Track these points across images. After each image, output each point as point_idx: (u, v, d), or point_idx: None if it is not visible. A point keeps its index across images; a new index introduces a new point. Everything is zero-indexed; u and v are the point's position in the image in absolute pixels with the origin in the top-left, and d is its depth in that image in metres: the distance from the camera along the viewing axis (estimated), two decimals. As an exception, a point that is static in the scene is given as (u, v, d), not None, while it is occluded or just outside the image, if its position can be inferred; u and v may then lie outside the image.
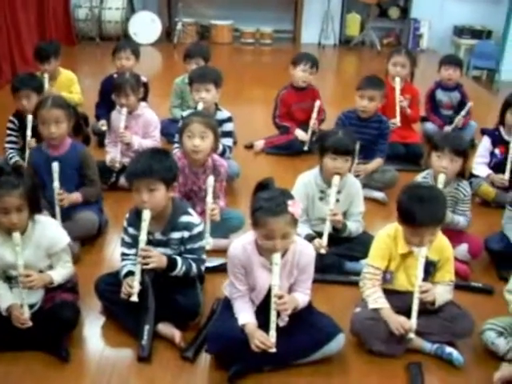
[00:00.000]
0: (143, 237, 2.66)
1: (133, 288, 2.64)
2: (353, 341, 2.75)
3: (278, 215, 2.38)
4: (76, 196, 3.43)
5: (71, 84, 5.11)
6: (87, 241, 3.50)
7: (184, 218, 2.77)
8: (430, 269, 2.74)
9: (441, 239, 2.75)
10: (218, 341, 2.54)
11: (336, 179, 3.21)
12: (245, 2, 9.48)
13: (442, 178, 3.29)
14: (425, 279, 2.70)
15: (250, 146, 5.10)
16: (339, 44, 9.84)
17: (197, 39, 9.54)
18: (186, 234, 2.76)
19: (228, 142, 4.27)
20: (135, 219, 2.74)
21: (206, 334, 2.70)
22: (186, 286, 2.81)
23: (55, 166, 3.26)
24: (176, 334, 2.71)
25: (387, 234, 2.76)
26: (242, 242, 2.59)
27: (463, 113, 5.05)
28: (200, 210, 3.36)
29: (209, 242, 3.17)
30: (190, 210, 2.83)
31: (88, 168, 3.51)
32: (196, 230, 2.77)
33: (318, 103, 4.82)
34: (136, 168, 2.70)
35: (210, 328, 2.70)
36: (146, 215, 2.65)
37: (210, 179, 3.28)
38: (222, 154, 4.20)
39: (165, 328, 2.75)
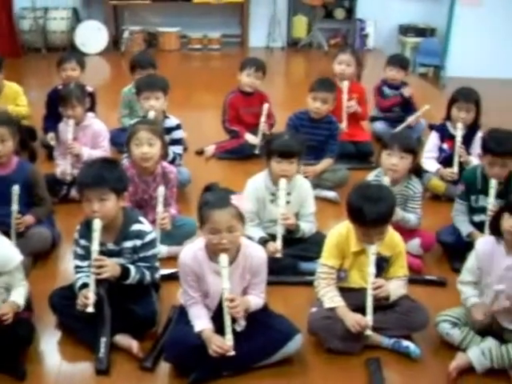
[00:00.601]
0: (95, 247, 2.64)
1: (88, 299, 2.61)
2: (311, 340, 2.76)
3: (222, 207, 2.43)
4: (29, 218, 3.37)
5: (17, 96, 5.00)
6: (41, 255, 3.43)
7: (135, 227, 2.76)
8: (383, 265, 2.78)
9: (392, 235, 2.79)
10: (176, 349, 2.54)
11: (282, 182, 3.23)
12: (191, 8, 9.44)
13: (386, 181, 3.34)
14: (378, 275, 2.74)
15: (200, 152, 5.08)
16: (287, 46, 9.88)
17: (144, 47, 9.47)
18: (138, 242, 2.75)
19: (178, 149, 4.27)
20: (86, 231, 2.71)
21: (163, 342, 2.68)
22: (141, 296, 2.79)
23: (16, 189, 3.22)
24: (133, 345, 2.68)
25: (339, 233, 2.79)
26: (193, 249, 2.59)
27: (418, 113, 5.15)
28: (152, 218, 3.34)
29: (160, 251, 3.16)
30: (141, 219, 2.82)
31: (37, 187, 3.45)
32: (148, 238, 2.77)
33: (266, 106, 4.83)
34: (86, 178, 2.69)
35: (167, 336, 2.69)
36: (97, 225, 2.63)
37: (161, 189, 3.28)
38: (173, 162, 4.19)
39: (122, 339, 2.72)
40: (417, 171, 3.55)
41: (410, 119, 5.12)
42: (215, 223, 2.43)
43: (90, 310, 2.60)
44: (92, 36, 9.19)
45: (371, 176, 3.54)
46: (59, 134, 4.24)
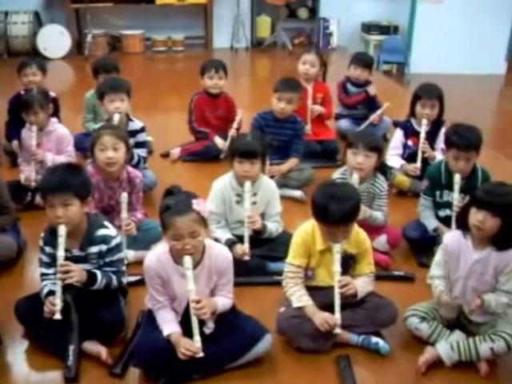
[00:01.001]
0: (61, 253, 2.61)
1: (55, 306, 2.58)
2: (281, 340, 2.76)
3: (183, 214, 2.41)
4: None
5: None
6: (6, 264, 3.37)
7: (101, 232, 2.74)
8: (350, 262, 2.80)
9: (358, 233, 2.80)
10: (145, 354, 2.52)
11: (247, 185, 3.23)
12: (155, 10, 9.37)
13: (355, 179, 3.36)
14: (345, 273, 2.75)
15: (166, 155, 5.05)
16: (251, 47, 9.89)
17: (108, 50, 9.40)
18: (103, 247, 2.73)
19: (142, 152, 4.24)
20: (51, 237, 2.69)
21: (132, 348, 2.66)
22: (108, 301, 2.77)
23: None
24: (102, 351, 2.65)
25: (305, 232, 2.79)
26: (157, 253, 2.58)
27: (379, 112, 5.17)
28: (118, 224, 3.29)
29: (126, 255, 3.15)
30: (106, 223, 2.80)
31: (0, 195, 3.40)
32: (114, 243, 2.75)
33: (239, 117, 4.81)
34: (49, 183, 2.66)
35: (135, 342, 2.67)
36: (62, 231, 2.61)
37: (124, 195, 3.25)
38: (137, 165, 4.16)
39: (90, 346, 2.69)
40: (382, 169, 3.56)
41: (372, 117, 5.15)
42: (177, 230, 2.42)
43: (58, 316, 2.57)
44: (54, 40, 9.07)
45: (337, 174, 3.55)
46: (23, 140, 4.19)
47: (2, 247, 3.33)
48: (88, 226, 2.74)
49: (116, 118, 4.06)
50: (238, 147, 3.30)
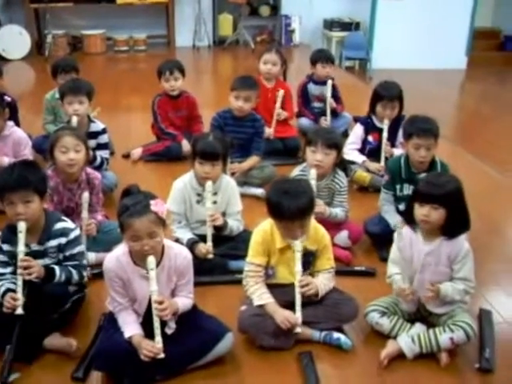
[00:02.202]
0: (21, 248, 2.60)
1: (17, 301, 2.55)
2: (243, 338, 2.76)
3: (141, 215, 2.40)
4: None
5: None
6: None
7: (59, 225, 2.75)
8: (310, 259, 2.80)
9: (316, 228, 2.81)
10: (106, 357, 2.50)
11: (208, 185, 3.22)
12: (116, 9, 9.32)
13: (313, 174, 3.37)
14: (306, 269, 2.77)
15: (127, 156, 5.01)
16: (213, 45, 9.90)
17: (69, 51, 9.30)
18: (63, 240, 2.74)
19: (105, 153, 4.21)
20: (10, 235, 2.68)
21: (93, 351, 2.63)
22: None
23: None
24: (71, 342, 2.65)
25: (263, 230, 2.78)
26: (116, 254, 2.56)
27: (329, 94, 5.19)
28: (78, 225, 3.26)
29: (88, 259, 3.15)
30: (64, 217, 2.81)
31: None
32: (73, 235, 2.76)
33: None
34: (9, 181, 2.64)
35: (97, 345, 2.64)
36: (22, 227, 2.60)
37: (85, 195, 3.22)
38: (100, 166, 4.14)
39: (54, 340, 2.67)
40: (342, 165, 3.58)
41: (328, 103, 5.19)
42: (136, 231, 2.40)
43: (20, 311, 2.54)
44: (13, 41, 8.97)
45: (297, 171, 3.57)
46: None
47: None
48: (46, 221, 2.74)
49: (74, 120, 4.02)
50: (199, 148, 3.27)
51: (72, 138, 3.31)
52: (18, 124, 4.79)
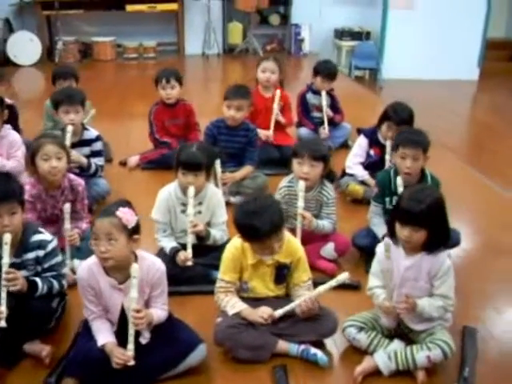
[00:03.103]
0: (6, 260, 2.59)
1: (1, 313, 2.55)
2: (219, 350, 2.73)
3: (104, 216, 2.44)
4: None
5: None
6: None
7: (36, 237, 2.74)
8: (284, 271, 2.79)
9: (289, 241, 2.78)
10: (78, 363, 2.50)
11: (191, 191, 3.18)
12: (126, 17, 9.39)
13: (301, 186, 3.34)
14: (280, 282, 2.79)
15: (124, 163, 5.02)
16: (223, 53, 9.91)
17: (79, 57, 9.38)
18: (40, 252, 2.73)
19: (99, 161, 4.23)
20: None
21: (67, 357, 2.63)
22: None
23: None
24: (45, 348, 2.66)
25: (234, 247, 2.76)
26: (88, 264, 2.56)
27: (324, 103, 5.17)
28: (60, 234, 3.27)
29: (73, 267, 3.18)
30: (41, 229, 2.80)
31: None
32: (50, 247, 2.75)
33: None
34: None
35: (69, 351, 2.63)
36: (7, 238, 2.60)
37: (67, 206, 3.21)
38: (95, 174, 4.14)
39: (32, 345, 2.69)
40: (330, 176, 3.54)
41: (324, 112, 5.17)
42: (95, 229, 2.44)
43: (2, 324, 2.55)
44: (24, 47, 9.05)
45: (284, 182, 3.54)
46: None
47: None
48: (23, 233, 2.73)
49: (69, 129, 4.02)
50: (181, 158, 3.26)
51: (53, 146, 3.32)
52: (17, 128, 4.84)
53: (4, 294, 2.58)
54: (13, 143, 4.16)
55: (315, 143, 3.51)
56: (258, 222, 2.55)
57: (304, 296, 2.68)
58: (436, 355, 2.56)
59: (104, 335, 2.52)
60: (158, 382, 2.57)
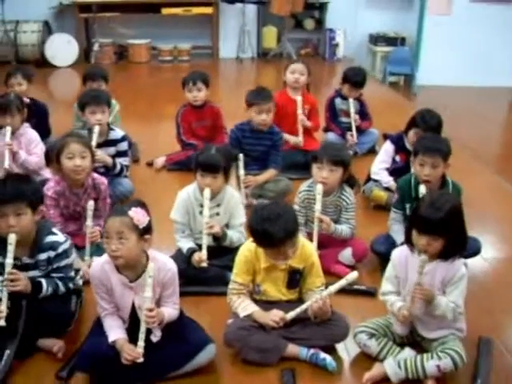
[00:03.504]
0: (9, 260, 2.64)
1: (1, 313, 2.60)
2: (230, 351, 2.74)
3: (115, 215, 2.48)
4: None
5: None
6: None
7: (49, 239, 2.78)
8: (297, 276, 2.79)
9: (303, 246, 2.77)
10: (88, 358, 2.54)
11: (207, 192, 3.22)
12: (161, 20, 9.49)
13: (319, 189, 3.33)
14: (293, 287, 2.79)
15: (151, 164, 5.08)
16: (257, 57, 9.94)
17: (115, 59, 9.52)
18: (52, 253, 2.77)
19: (124, 160, 4.30)
20: (0, 247, 2.70)
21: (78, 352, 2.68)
22: (58, 296, 2.81)
23: None
24: (57, 343, 2.72)
25: (248, 250, 2.77)
26: (101, 262, 2.59)
27: (352, 109, 5.15)
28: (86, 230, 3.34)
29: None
30: (54, 230, 2.85)
31: None
32: (61, 249, 2.79)
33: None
34: (3, 193, 2.68)
35: (80, 346, 2.68)
36: (12, 239, 2.64)
37: (90, 203, 3.27)
38: (120, 174, 4.20)
39: (46, 341, 2.75)
40: (350, 181, 3.53)
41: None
42: (107, 228, 2.48)
43: (2, 323, 2.60)
44: (62, 49, 9.21)
45: (304, 186, 3.54)
46: None
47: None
48: (37, 234, 2.78)
49: (96, 129, 4.10)
50: (200, 160, 3.29)
51: (78, 145, 3.38)
52: (47, 128, 4.95)
53: (5, 293, 2.63)
54: (31, 140, 4.29)
55: (335, 148, 3.49)
56: (272, 229, 2.55)
57: (314, 297, 2.67)
58: (446, 364, 2.52)
59: (115, 332, 2.56)
60: (166, 380, 2.59)
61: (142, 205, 2.57)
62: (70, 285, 2.84)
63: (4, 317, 2.60)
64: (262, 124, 4.27)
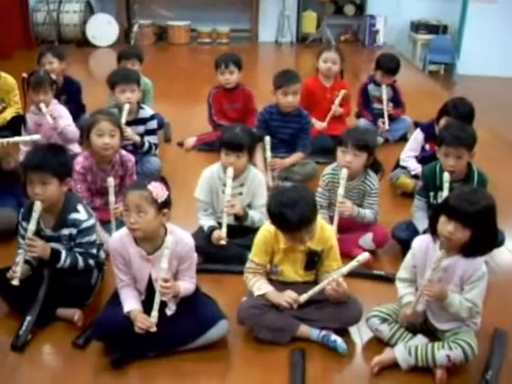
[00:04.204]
0: (32, 226, 2.74)
1: (15, 273, 2.72)
2: (243, 328, 2.78)
3: (135, 189, 2.53)
4: None
5: (10, 90, 5.17)
6: (5, 235, 3.47)
7: (72, 216, 2.85)
8: (315, 258, 2.79)
9: (323, 229, 2.77)
10: (102, 327, 2.62)
11: (229, 171, 3.25)
12: (201, 2, 9.51)
13: (344, 173, 3.33)
14: (310, 269, 2.80)
15: (181, 144, 5.14)
16: (296, 42, 9.88)
17: (154, 40, 9.61)
18: (73, 230, 2.85)
19: (153, 139, 4.35)
20: (28, 213, 2.80)
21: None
22: (81, 270, 2.89)
23: None
24: (76, 312, 2.80)
25: (267, 231, 2.78)
26: (121, 234, 2.65)
27: (384, 96, 5.11)
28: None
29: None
30: (79, 207, 2.89)
31: None
32: (83, 226, 2.85)
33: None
34: (30, 161, 2.82)
35: (96, 315, 2.75)
36: (37, 207, 2.74)
37: (110, 180, 3.32)
38: (148, 151, 4.26)
39: (65, 310, 2.84)
40: (374, 166, 3.51)
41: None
42: (126, 201, 2.52)
43: (15, 282, 2.71)
44: (103, 29, 9.35)
45: (328, 170, 3.54)
46: (27, 122, 4.37)
47: (2, 218, 3.48)
48: (62, 208, 2.86)
49: (126, 107, 4.16)
50: (224, 139, 3.32)
51: (108, 123, 3.45)
52: (81, 104, 5.05)
53: (21, 257, 2.76)
54: (60, 114, 4.35)
55: (360, 132, 3.48)
56: (289, 214, 2.55)
57: (327, 279, 2.67)
58: (456, 355, 2.50)
59: (130, 302, 2.62)
60: (177, 353, 2.65)
61: (162, 179, 2.62)
62: (91, 261, 2.90)
63: (18, 277, 2.71)
64: (287, 106, 4.28)
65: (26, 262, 2.82)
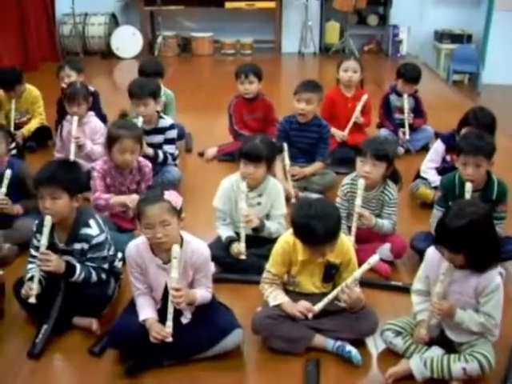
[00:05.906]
0: (44, 241, 2.77)
1: (32, 290, 2.74)
2: (258, 338, 2.78)
3: (153, 203, 2.51)
4: (17, 208, 3.59)
5: (35, 101, 5.30)
6: (26, 245, 3.47)
7: (83, 231, 2.87)
8: (333, 271, 2.79)
9: (341, 242, 2.75)
10: (118, 335, 2.64)
11: (243, 186, 3.26)
12: (224, 13, 9.59)
13: (361, 184, 3.33)
14: (328, 281, 2.80)
15: (202, 154, 5.17)
16: (319, 52, 9.89)
17: (178, 52, 9.71)
18: (85, 245, 2.87)
19: (170, 148, 4.39)
20: (41, 226, 2.83)
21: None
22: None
23: (8, 173, 3.47)
24: (93, 322, 2.83)
25: (285, 242, 2.78)
26: (137, 242, 2.68)
27: (406, 106, 5.10)
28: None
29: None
30: (91, 222, 2.90)
31: (27, 182, 3.60)
32: (94, 242, 2.87)
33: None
34: (41, 175, 2.85)
35: (113, 323, 2.77)
36: (48, 221, 2.77)
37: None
38: (164, 162, 4.28)
39: (80, 319, 2.87)
40: (393, 177, 3.50)
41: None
42: (148, 218, 2.50)
43: (32, 300, 2.73)
44: (127, 41, 9.46)
45: (347, 180, 3.53)
46: (62, 131, 4.46)
47: (25, 229, 3.50)
48: (74, 223, 2.88)
49: (140, 120, 4.22)
50: (244, 149, 3.34)
51: (130, 141, 3.52)
52: (101, 114, 5.11)
53: (37, 273, 2.77)
54: (95, 130, 4.45)
55: (380, 142, 3.46)
56: (316, 228, 2.53)
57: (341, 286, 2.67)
58: (472, 368, 2.47)
59: (146, 311, 2.64)
60: (191, 362, 2.66)
61: (170, 187, 2.65)
62: (103, 275, 2.92)
63: (35, 295, 2.73)
64: (300, 113, 4.28)
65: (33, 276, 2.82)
